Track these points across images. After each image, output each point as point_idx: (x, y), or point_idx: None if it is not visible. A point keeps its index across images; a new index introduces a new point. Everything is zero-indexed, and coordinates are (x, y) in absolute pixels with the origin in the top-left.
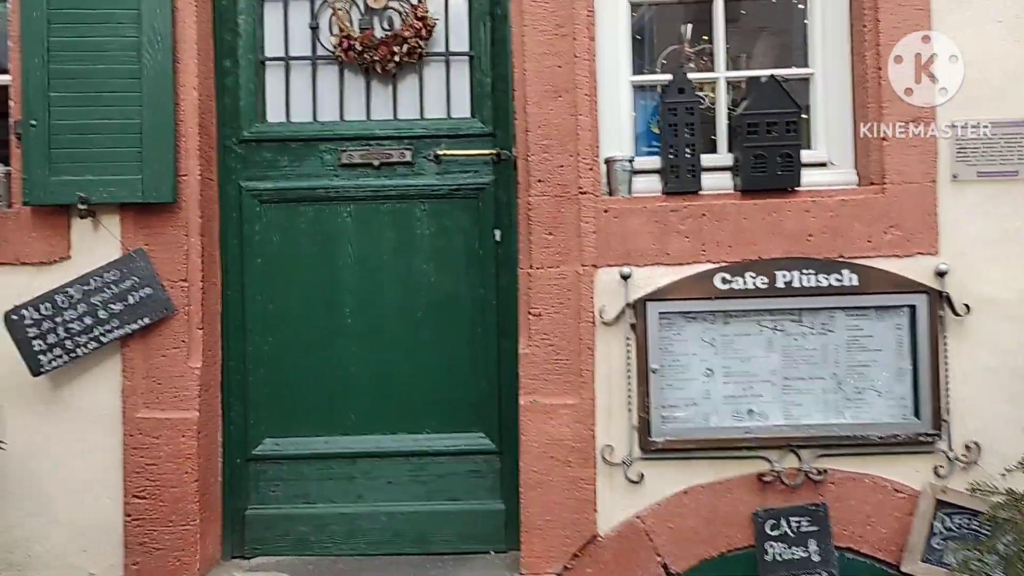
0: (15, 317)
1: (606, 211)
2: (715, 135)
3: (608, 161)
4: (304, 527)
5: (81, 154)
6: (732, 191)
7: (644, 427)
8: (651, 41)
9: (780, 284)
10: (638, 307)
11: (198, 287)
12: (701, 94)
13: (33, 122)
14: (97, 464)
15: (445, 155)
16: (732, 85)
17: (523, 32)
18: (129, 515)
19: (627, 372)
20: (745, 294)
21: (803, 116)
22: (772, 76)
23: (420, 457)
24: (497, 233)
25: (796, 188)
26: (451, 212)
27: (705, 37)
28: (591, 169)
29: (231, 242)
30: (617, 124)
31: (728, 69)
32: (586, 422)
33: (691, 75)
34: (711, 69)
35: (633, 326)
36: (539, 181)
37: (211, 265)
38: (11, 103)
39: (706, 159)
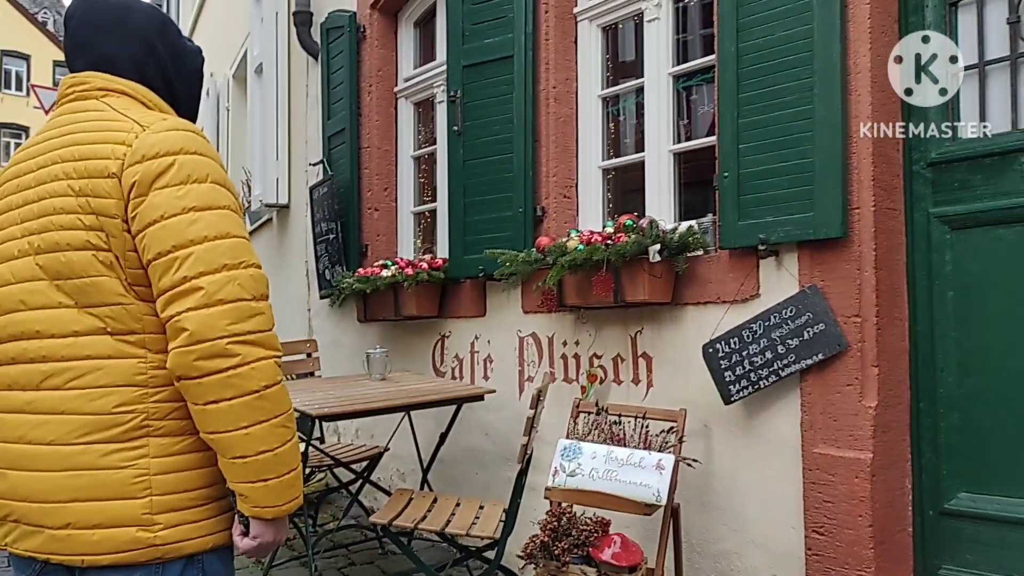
0: (711, 350)
1: None
2: None
3: None
4: None
5: (762, 198)
6: None
7: None
8: None
9: None
10: None
11: (872, 323)
12: None
13: (726, 173)
14: (782, 493)
15: None
16: None
17: None
18: (809, 549)
19: None
20: None
21: None
22: None
23: None
24: None
25: None
26: None
27: None
28: None
29: (918, 274)
30: None
31: None
32: None
33: None
34: None
35: None
36: None
37: (891, 299)
38: (716, 160)
39: None
